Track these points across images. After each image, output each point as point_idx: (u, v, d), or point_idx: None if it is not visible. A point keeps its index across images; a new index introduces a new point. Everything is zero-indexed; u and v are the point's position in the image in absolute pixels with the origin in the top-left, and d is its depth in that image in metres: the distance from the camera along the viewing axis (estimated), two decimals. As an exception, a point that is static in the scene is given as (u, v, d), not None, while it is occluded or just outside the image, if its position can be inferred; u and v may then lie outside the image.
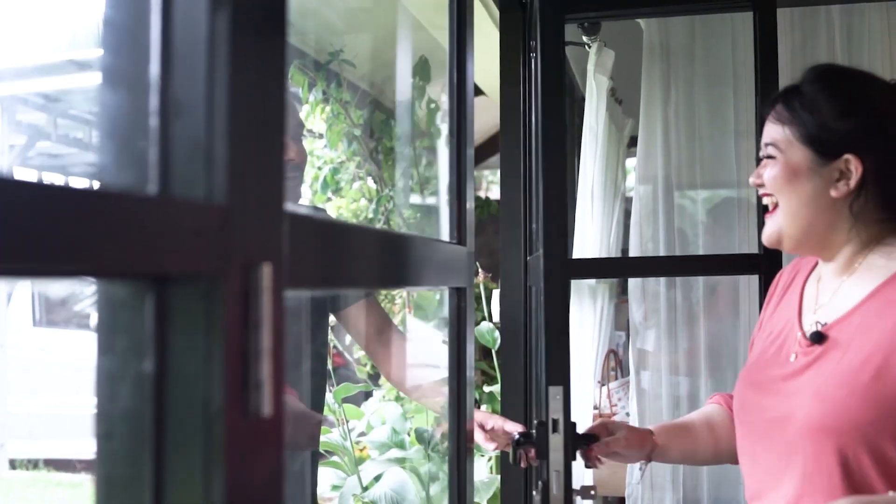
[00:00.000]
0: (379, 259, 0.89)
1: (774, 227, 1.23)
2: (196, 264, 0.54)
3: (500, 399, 2.36)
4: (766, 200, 1.24)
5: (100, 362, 0.54)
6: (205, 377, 0.54)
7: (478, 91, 4.13)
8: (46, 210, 0.43)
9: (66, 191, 0.44)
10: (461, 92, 1.34)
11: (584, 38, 2.59)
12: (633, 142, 3.89)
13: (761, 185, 1.23)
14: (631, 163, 4.17)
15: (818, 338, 1.17)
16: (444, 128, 4.05)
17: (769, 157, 1.22)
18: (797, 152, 1.19)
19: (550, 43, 2.21)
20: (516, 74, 2.30)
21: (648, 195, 2.61)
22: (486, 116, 3.55)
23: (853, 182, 1.16)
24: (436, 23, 2.92)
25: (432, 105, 3.82)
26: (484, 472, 2.74)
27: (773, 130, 1.22)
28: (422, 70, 3.69)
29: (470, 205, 1.33)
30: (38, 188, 0.43)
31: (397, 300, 4.29)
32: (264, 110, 0.60)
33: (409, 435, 2.90)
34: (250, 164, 0.58)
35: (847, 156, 1.16)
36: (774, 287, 1.37)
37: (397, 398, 3.77)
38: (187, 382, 0.54)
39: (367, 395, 3.44)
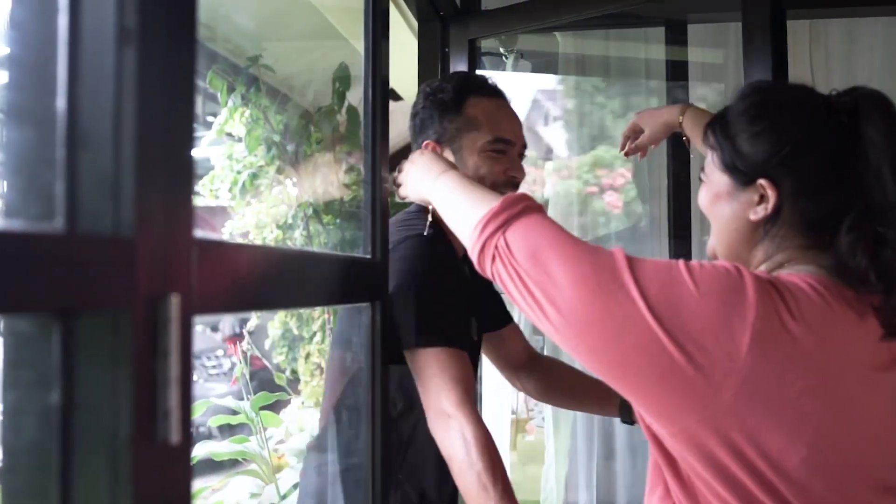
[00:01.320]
0: (292, 279, 0.90)
1: (711, 242, 1.27)
2: (103, 298, 0.55)
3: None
4: None
5: (5, 397, 0.54)
6: (112, 407, 0.55)
7: (397, 96, 4.15)
8: None
9: None
10: (375, 110, 1.35)
11: (501, 50, 2.64)
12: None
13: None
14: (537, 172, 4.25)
15: None
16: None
17: (700, 179, 1.26)
18: (718, 177, 1.21)
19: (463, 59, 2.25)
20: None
21: (565, 203, 2.67)
22: (405, 121, 3.57)
23: (770, 206, 1.16)
24: (354, 32, 2.92)
25: (352, 112, 3.82)
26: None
27: (707, 154, 1.25)
28: (341, 76, 3.69)
29: (386, 218, 1.34)
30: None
31: (316, 309, 4.28)
32: (172, 142, 0.61)
33: (328, 442, 2.89)
34: (158, 196, 0.59)
35: (761, 181, 1.16)
36: None
37: (316, 404, 3.75)
38: (94, 413, 0.55)
39: (286, 402, 3.42)
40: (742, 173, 1.17)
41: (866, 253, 1.09)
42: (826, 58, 2.42)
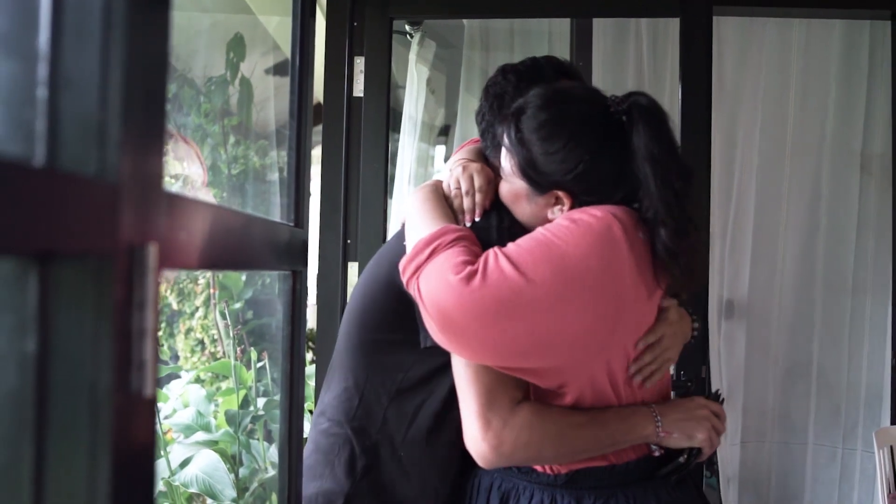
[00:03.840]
0: (243, 241, 0.88)
1: None
2: (84, 242, 0.53)
3: (314, 379, 2.37)
4: None
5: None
6: (91, 358, 0.53)
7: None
8: None
9: None
10: (303, 73, 1.33)
11: (407, 28, 2.64)
12: (441, 130, 3.99)
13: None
14: (439, 151, 4.28)
15: None
16: (264, 107, 3.97)
17: (499, 171, 1.37)
18: (517, 181, 1.32)
19: (377, 40, 2.24)
20: (341, 59, 2.31)
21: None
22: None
23: (566, 209, 1.30)
24: (260, 4, 2.86)
25: (245, 82, 3.73)
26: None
27: (504, 154, 1.34)
28: (236, 47, 3.60)
29: (309, 189, 1.33)
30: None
31: (200, 280, 4.17)
32: (153, 88, 0.59)
33: (214, 418, 2.84)
34: (140, 143, 0.57)
35: (556, 192, 1.29)
36: None
37: (197, 380, 3.67)
38: (72, 363, 0.53)
39: (172, 377, 3.33)
40: (538, 184, 1.30)
41: (662, 243, 1.23)
42: (720, 51, 2.54)
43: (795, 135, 2.70)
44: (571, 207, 1.29)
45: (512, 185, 1.33)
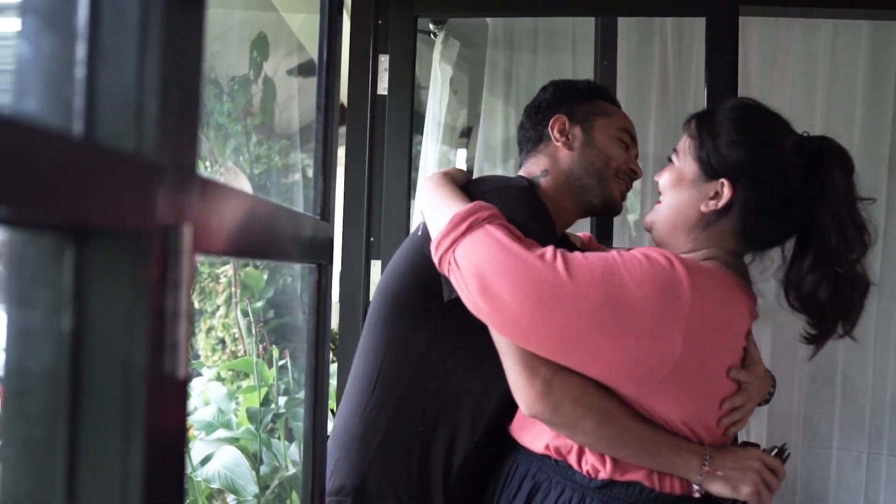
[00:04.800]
0: (273, 230, 0.88)
1: (651, 217, 1.40)
2: (121, 219, 0.53)
3: (336, 378, 2.37)
4: (659, 196, 1.40)
5: (14, 318, 0.52)
6: (127, 336, 0.53)
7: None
8: None
9: None
10: (330, 68, 1.33)
11: (431, 27, 2.64)
12: (463, 132, 3.99)
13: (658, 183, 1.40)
14: (460, 154, 4.27)
15: None
16: (287, 107, 3.98)
17: (670, 160, 1.38)
18: (688, 164, 1.34)
19: (401, 38, 2.24)
20: (365, 57, 2.31)
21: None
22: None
23: (721, 203, 1.30)
24: (285, 1, 2.87)
25: (269, 82, 3.75)
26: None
27: (682, 140, 1.37)
28: (260, 46, 3.61)
29: (335, 182, 1.33)
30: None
31: (222, 279, 4.19)
32: (191, 67, 0.59)
33: (235, 415, 2.85)
34: (178, 122, 0.57)
35: (723, 180, 1.29)
36: None
37: (218, 377, 3.68)
38: (107, 341, 0.53)
39: (193, 374, 3.34)
40: (711, 167, 1.31)
41: (827, 290, 1.26)
42: (746, 53, 2.52)
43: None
44: (727, 206, 1.29)
45: (681, 168, 1.35)
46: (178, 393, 0.58)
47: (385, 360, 1.46)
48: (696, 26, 2.55)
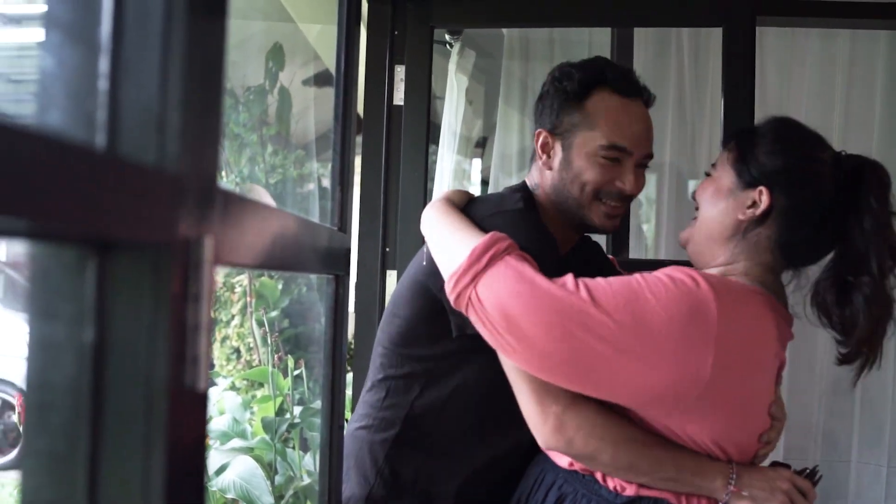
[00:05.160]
0: (292, 242, 0.88)
1: (688, 232, 1.39)
2: (143, 232, 0.53)
3: (351, 388, 2.37)
4: (695, 212, 1.39)
5: (35, 331, 0.52)
6: (148, 349, 0.53)
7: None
8: None
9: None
10: (347, 78, 1.34)
11: (447, 37, 2.64)
12: (478, 143, 3.98)
13: (695, 197, 1.39)
14: (475, 164, 4.27)
15: None
16: (302, 117, 4.00)
17: (707, 174, 1.38)
18: (726, 174, 1.33)
19: (418, 48, 2.24)
20: (381, 68, 2.31)
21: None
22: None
23: (759, 211, 1.29)
24: (302, 12, 2.88)
25: (284, 92, 3.77)
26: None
27: (722, 154, 1.37)
28: (275, 56, 3.64)
29: (353, 194, 1.33)
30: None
31: (237, 288, 4.20)
32: (212, 80, 0.59)
33: (250, 425, 2.85)
34: (199, 135, 0.57)
35: (762, 188, 1.28)
36: None
37: (232, 387, 3.69)
38: (128, 354, 0.53)
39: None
40: (749, 175, 1.31)
41: (832, 292, 1.27)
42: (762, 63, 2.52)
43: (840, 148, 2.66)
44: (764, 215, 1.29)
45: (718, 178, 1.35)
46: (198, 405, 0.58)
47: (396, 376, 1.47)
48: (713, 36, 2.55)
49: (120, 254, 0.53)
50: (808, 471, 1.34)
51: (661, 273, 1.23)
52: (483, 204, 1.43)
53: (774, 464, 1.35)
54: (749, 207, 1.30)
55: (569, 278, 1.19)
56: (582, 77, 1.40)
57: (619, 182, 1.39)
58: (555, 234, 1.42)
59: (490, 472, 1.46)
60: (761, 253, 1.32)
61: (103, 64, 0.52)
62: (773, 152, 1.30)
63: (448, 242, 1.32)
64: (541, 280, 1.18)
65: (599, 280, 1.20)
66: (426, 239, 1.40)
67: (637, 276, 1.22)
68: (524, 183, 1.50)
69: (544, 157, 1.44)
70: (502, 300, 1.18)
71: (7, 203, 0.40)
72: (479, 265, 1.22)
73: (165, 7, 0.54)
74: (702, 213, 1.36)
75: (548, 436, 1.24)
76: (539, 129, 1.45)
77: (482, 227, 1.33)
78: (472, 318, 1.24)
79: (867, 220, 1.25)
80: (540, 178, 1.47)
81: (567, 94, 1.41)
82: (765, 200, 1.28)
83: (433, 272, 1.37)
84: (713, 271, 1.32)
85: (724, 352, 1.17)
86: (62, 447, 0.52)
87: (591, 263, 1.59)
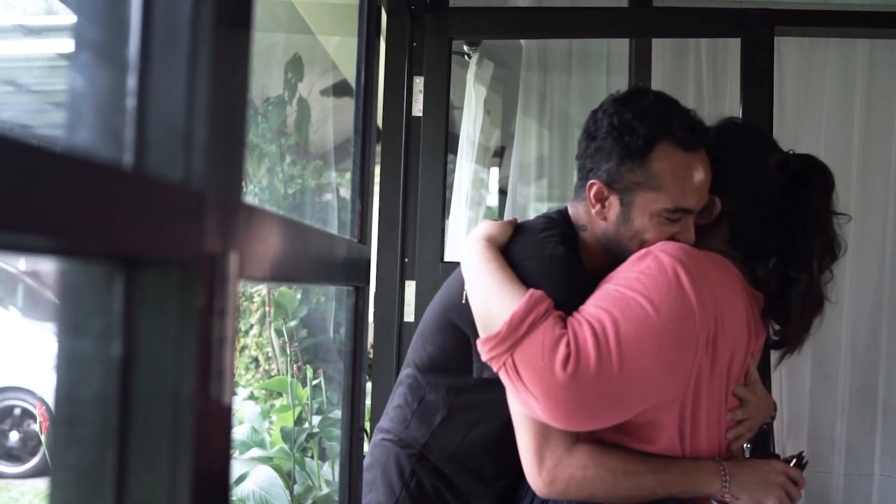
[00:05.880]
0: (313, 255, 0.89)
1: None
2: (170, 248, 0.53)
3: (371, 397, 2.37)
4: None
5: (61, 345, 0.52)
6: (175, 363, 0.54)
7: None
8: (3, 168, 0.38)
9: (31, 150, 0.40)
10: (367, 91, 1.35)
11: (465, 49, 2.65)
12: (496, 152, 3.99)
13: None
14: (493, 172, 4.28)
15: None
16: (320, 127, 4.02)
17: None
18: None
19: (436, 61, 2.25)
20: (400, 79, 2.32)
21: (520, 207, 2.69)
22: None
23: (713, 215, 1.39)
24: (321, 24, 2.90)
25: (303, 103, 3.79)
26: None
27: None
28: (294, 68, 3.66)
29: (372, 206, 1.34)
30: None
31: (255, 298, 4.22)
32: (237, 98, 0.60)
33: (269, 434, 2.86)
34: (224, 152, 0.58)
35: (714, 195, 1.37)
36: None
37: (251, 397, 3.70)
38: (155, 368, 0.54)
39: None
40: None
41: (785, 295, 1.35)
42: (781, 73, 2.51)
43: (861, 158, 2.65)
44: (717, 218, 1.38)
45: None
46: (224, 418, 0.59)
47: (422, 398, 1.49)
48: (731, 47, 2.55)
49: (147, 269, 0.53)
50: (794, 458, 1.37)
51: (627, 267, 1.30)
52: (523, 241, 1.39)
53: (762, 454, 1.38)
54: (703, 211, 1.37)
55: (580, 337, 1.20)
56: (647, 133, 1.32)
57: (679, 237, 1.36)
58: (591, 266, 1.40)
59: (517, 493, 1.48)
60: (720, 246, 1.40)
61: (131, 82, 0.53)
62: (717, 160, 1.35)
63: (487, 298, 1.31)
64: (563, 355, 1.20)
65: (592, 311, 1.23)
66: (466, 282, 1.37)
67: (610, 286, 1.28)
68: (568, 215, 1.46)
69: (598, 206, 1.38)
70: (536, 367, 1.20)
71: (37, 221, 0.41)
72: (516, 335, 1.22)
73: (192, 26, 0.55)
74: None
75: (541, 488, 1.29)
76: (593, 181, 1.37)
77: (518, 271, 1.33)
78: (503, 377, 1.26)
79: (809, 222, 1.33)
80: (590, 222, 1.42)
81: (629, 151, 1.33)
82: (717, 205, 1.37)
83: (466, 311, 1.37)
84: None
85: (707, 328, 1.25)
86: (90, 460, 0.52)
87: None
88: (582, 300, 1.29)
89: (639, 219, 1.35)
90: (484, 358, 1.26)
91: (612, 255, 1.40)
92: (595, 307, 1.24)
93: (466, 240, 1.43)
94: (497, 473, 1.48)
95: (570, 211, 1.46)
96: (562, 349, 1.19)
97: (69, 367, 0.53)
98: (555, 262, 1.35)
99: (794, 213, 1.34)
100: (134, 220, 0.50)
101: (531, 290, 1.25)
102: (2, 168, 0.38)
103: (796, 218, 1.34)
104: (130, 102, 0.53)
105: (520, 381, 1.21)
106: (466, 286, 1.37)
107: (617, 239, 1.39)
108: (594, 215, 1.40)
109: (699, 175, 1.33)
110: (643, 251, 1.29)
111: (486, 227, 1.42)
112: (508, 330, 1.22)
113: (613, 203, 1.36)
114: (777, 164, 1.38)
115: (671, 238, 1.34)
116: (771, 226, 1.36)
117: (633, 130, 1.32)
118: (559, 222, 1.44)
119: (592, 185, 1.37)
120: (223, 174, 0.58)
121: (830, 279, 1.36)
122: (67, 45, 0.52)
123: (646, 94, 1.38)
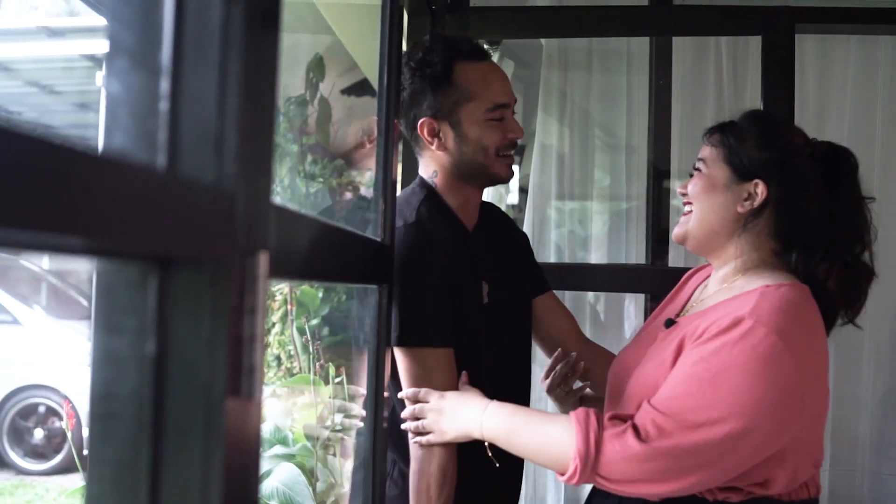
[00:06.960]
0: (340, 254, 0.90)
1: (683, 228, 1.40)
2: (202, 248, 0.55)
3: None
4: (686, 207, 1.41)
5: (97, 343, 0.54)
6: (207, 360, 0.55)
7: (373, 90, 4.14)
8: (42, 170, 0.39)
9: (69, 152, 0.41)
10: (390, 91, 1.36)
11: (486, 48, 2.65)
12: (516, 151, 3.97)
13: (685, 194, 1.41)
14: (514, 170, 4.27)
15: (669, 324, 1.39)
16: (341, 126, 4.03)
17: (697, 169, 1.40)
18: (719, 169, 1.36)
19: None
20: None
21: (541, 205, 2.69)
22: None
23: (757, 202, 1.34)
24: (342, 24, 2.91)
25: (324, 103, 3.80)
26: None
27: (706, 150, 1.40)
28: (316, 68, 3.67)
29: (395, 202, 1.35)
30: (34, 143, 0.38)
31: (277, 296, 4.24)
32: (265, 102, 0.61)
33: (291, 432, 2.88)
34: (254, 154, 0.59)
35: (757, 181, 1.33)
36: (681, 282, 1.56)
37: (273, 394, 3.72)
38: (188, 365, 0.55)
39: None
40: (743, 168, 1.35)
41: (837, 278, 1.34)
42: (802, 70, 2.50)
43: (883, 155, 2.63)
44: (763, 204, 1.33)
45: (711, 174, 1.37)
46: (254, 414, 0.60)
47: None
48: (752, 44, 2.54)
49: (180, 269, 0.55)
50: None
51: (717, 345, 1.22)
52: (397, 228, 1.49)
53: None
54: (746, 200, 1.34)
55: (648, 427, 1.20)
56: (441, 59, 1.49)
57: (510, 134, 1.51)
58: (461, 212, 1.55)
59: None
60: (765, 240, 1.36)
61: (164, 86, 0.55)
62: (763, 145, 1.34)
63: (537, 441, 1.32)
64: (632, 433, 1.20)
65: (668, 403, 1.21)
66: (498, 433, 1.35)
67: (692, 367, 1.23)
68: (421, 179, 1.57)
69: (435, 141, 1.51)
70: (620, 464, 1.20)
71: (74, 222, 0.42)
72: (589, 457, 1.21)
73: (222, 31, 0.56)
74: (696, 209, 1.38)
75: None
76: (422, 119, 1.50)
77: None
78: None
79: (845, 199, 1.34)
80: (436, 163, 1.54)
81: (434, 79, 1.49)
82: (761, 192, 1.33)
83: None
84: (730, 265, 1.37)
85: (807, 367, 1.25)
86: (126, 455, 0.54)
87: (498, 231, 1.68)
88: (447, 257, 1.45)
89: (471, 130, 1.49)
90: (572, 482, 1.26)
91: (470, 182, 1.54)
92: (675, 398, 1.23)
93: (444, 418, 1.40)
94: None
95: (420, 173, 1.58)
96: (628, 434, 1.19)
97: (105, 364, 0.54)
98: (408, 231, 1.46)
99: (832, 196, 1.34)
100: (167, 220, 0.51)
101: (572, 415, 1.25)
102: (41, 170, 0.39)
103: (835, 200, 1.34)
104: (163, 106, 0.54)
105: (618, 483, 1.22)
106: (504, 440, 1.35)
107: (464, 160, 1.51)
108: (436, 152, 1.51)
109: (497, 73, 1.54)
110: (735, 317, 1.23)
111: (436, 402, 1.41)
112: (583, 463, 1.21)
113: (446, 130, 1.50)
114: (810, 149, 1.38)
115: (505, 136, 1.49)
116: (811, 210, 1.35)
117: (430, 63, 1.49)
118: (416, 189, 1.55)
119: (422, 123, 1.49)
120: (253, 175, 0.60)
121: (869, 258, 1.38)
122: (90, 46, 0.53)
123: (425, 40, 1.57)
